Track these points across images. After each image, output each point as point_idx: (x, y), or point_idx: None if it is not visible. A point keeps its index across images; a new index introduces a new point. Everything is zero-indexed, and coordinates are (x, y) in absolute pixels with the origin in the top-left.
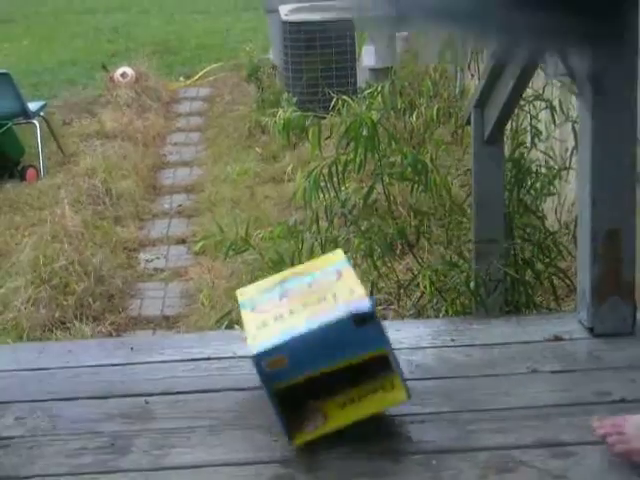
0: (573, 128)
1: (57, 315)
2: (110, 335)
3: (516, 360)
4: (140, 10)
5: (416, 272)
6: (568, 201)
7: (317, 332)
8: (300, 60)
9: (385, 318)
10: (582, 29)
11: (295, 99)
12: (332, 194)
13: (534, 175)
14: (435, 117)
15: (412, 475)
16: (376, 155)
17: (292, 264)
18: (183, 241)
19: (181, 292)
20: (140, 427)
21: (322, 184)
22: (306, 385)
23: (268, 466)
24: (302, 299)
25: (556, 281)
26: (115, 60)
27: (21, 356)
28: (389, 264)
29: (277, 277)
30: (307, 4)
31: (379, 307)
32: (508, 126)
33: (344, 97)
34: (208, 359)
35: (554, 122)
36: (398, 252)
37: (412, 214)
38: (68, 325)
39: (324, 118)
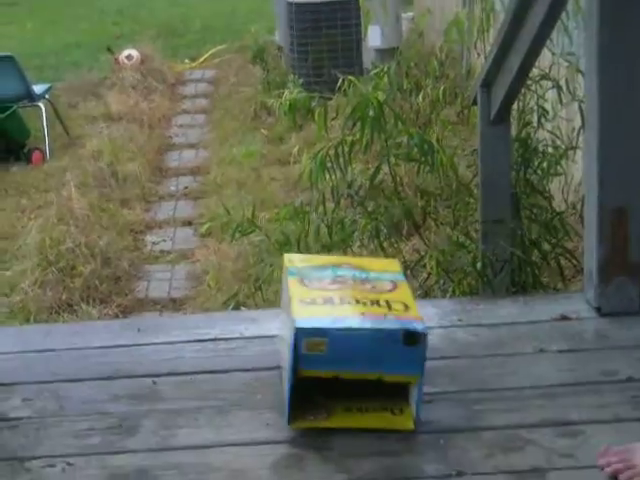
0: (580, 108)
1: (64, 297)
2: (117, 317)
3: (523, 340)
4: None
5: (423, 253)
6: (575, 181)
7: (366, 334)
8: (306, 41)
9: None
10: None
11: (301, 80)
12: (338, 175)
13: (541, 155)
14: (441, 97)
15: (419, 454)
16: (382, 136)
17: (298, 245)
18: (189, 223)
19: (187, 274)
20: (147, 408)
21: (328, 165)
22: (319, 379)
23: (276, 446)
24: (355, 293)
25: (563, 261)
26: (120, 42)
27: (28, 338)
28: (396, 245)
29: (330, 259)
30: None
31: None
32: (515, 106)
33: (350, 78)
34: (215, 340)
35: (561, 102)
36: (405, 233)
37: (418, 195)
38: (75, 307)
39: (330, 99)
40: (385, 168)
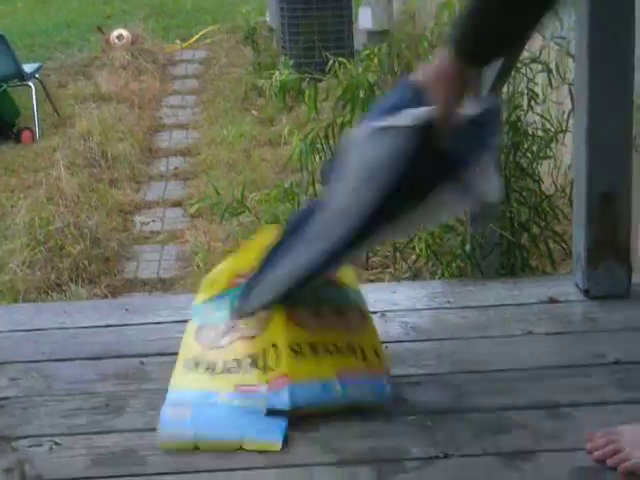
0: (570, 91)
1: (53, 277)
2: (106, 297)
3: (511, 322)
4: None
5: (412, 235)
6: (564, 164)
7: (229, 420)
8: (297, 22)
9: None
10: None
11: (291, 61)
12: (329, 157)
13: (530, 138)
14: None
15: (407, 436)
16: None
17: None
18: (179, 204)
19: (177, 255)
20: (135, 388)
21: (318, 147)
22: None
23: None
24: (240, 349)
25: (552, 244)
26: (110, 22)
27: (16, 317)
28: None
29: (225, 275)
30: None
31: (375, 270)
32: (504, 89)
33: (341, 59)
34: None
35: (551, 85)
36: None
37: None
38: (64, 287)
39: (320, 80)
40: None
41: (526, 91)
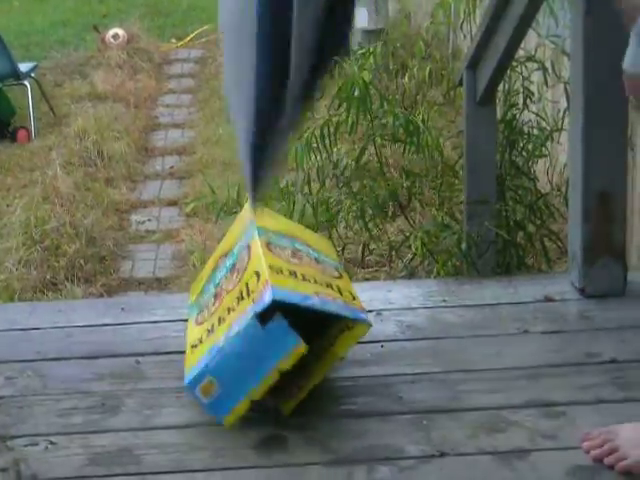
0: (565, 89)
1: (48, 277)
2: (101, 296)
3: (507, 321)
4: None
5: (408, 234)
6: (560, 163)
7: (232, 346)
8: None
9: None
10: None
11: None
12: (324, 155)
13: (526, 137)
14: (427, 78)
15: (402, 435)
16: (368, 116)
17: None
18: (175, 203)
19: (173, 254)
20: (131, 387)
21: (314, 145)
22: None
23: (259, 427)
24: (227, 300)
25: (547, 243)
26: (106, 21)
27: (12, 316)
28: (381, 226)
29: (280, 223)
30: None
31: (370, 269)
32: (500, 87)
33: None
34: None
35: (546, 83)
36: (390, 214)
37: (404, 176)
38: (59, 287)
39: None
40: (371, 149)
41: (522, 89)
